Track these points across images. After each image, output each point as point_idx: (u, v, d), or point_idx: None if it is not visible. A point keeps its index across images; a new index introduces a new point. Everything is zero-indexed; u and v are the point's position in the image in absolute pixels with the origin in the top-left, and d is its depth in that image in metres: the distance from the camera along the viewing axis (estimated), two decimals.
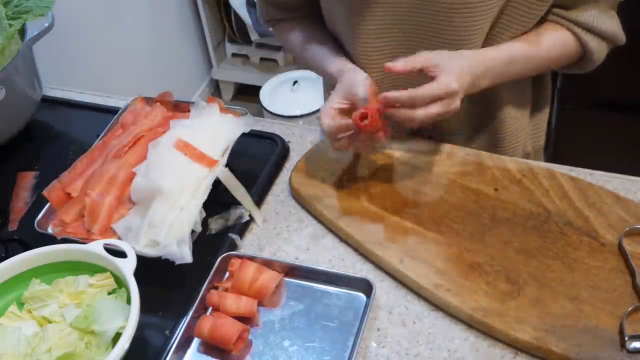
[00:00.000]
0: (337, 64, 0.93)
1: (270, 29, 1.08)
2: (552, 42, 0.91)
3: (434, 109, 0.79)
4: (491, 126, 1.00)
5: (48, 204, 0.88)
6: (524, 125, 1.03)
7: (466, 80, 0.82)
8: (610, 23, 0.91)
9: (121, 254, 0.76)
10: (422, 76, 0.83)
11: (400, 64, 0.81)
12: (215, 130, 0.93)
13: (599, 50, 0.92)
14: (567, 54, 0.92)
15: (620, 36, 0.93)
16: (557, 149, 1.90)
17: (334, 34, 0.99)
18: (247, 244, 0.87)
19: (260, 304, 0.78)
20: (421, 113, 0.79)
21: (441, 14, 0.86)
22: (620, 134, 1.74)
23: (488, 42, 0.89)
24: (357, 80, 0.85)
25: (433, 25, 0.87)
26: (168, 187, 0.83)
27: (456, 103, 0.80)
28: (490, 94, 0.93)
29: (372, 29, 0.90)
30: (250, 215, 0.89)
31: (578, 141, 1.83)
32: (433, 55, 0.82)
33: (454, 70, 0.81)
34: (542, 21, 0.91)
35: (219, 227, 0.88)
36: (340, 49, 0.97)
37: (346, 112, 0.84)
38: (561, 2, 0.89)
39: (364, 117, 0.80)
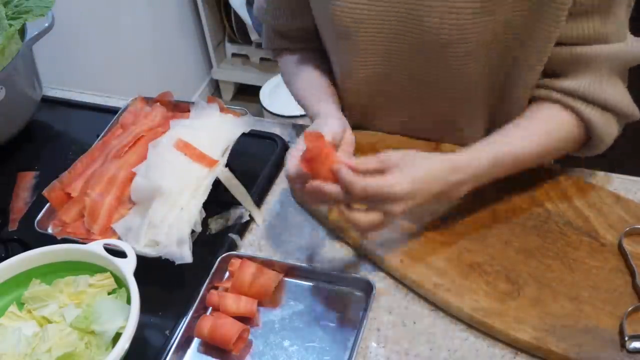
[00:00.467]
0: (320, 105, 0.87)
1: (274, 57, 1.04)
2: (545, 129, 0.80)
3: (369, 216, 0.69)
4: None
5: (48, 204, 0.88)
6: None
7: (427, 189, 0.71)
8: (612, 91, 0.79)
9: (121, 254, 0.76)
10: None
11: (352, 163, 0.71)
12: (215, 130, 0.93)
13: (603, 123, 0.80)
14: (567, 138, 0.81)
15: (628, 108, 0.81)
16: None
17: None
18: (247, 244, 0.87)
19: (260, 304, 0.78)
20: (353, 214, 0.70)
21: (432, 48, 0.80)
22: (620, 134, 1.74)
23: (495, 89, 0.85)
24: (327, 123, 0.79)
25: (423, 61, 0.83)
26: (168, 187, 0.83)
27: (395, 209, 0.69)
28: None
29: (361, 66, 0.87)
30: (250, 215, 0.89)
31: None
32: (395, 155, 0.72)
33: (411, 173, 0.70)
34: (531, 100, 0.84)
35: (219, 227, 0.88)
36: (334, 93, 0.93)
37: None
38: (553, 67, 0.80)
39: (309, 153, 0.71)
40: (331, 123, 0.80)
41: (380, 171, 0.71)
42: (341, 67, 0.91)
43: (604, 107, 0.80)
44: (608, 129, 0.81)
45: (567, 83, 0.80)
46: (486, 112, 0.91)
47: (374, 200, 0.69)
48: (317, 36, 0.94)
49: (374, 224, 0.70)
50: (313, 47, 0.97)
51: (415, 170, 0.71)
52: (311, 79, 0.95)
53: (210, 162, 0.88)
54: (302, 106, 0.95)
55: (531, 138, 0.79)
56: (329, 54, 0.94)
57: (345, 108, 0.92)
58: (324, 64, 0.96)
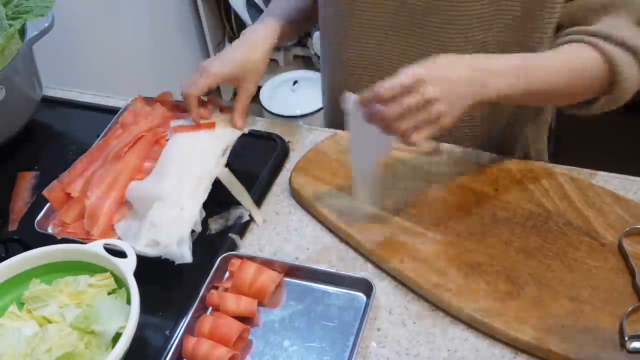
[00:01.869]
0: (263, 25, 0.97)
1: None
2: (570, 53, 0.81)
3: (399, 106, 0.70)
4: (488, 127, 0.99)
5: (48, 204, 0.88)
6: (523, 129, 1.02)
7: (443, 64, 0.73)
8: (631, 33, 0.80)
9: (121, 254, 0.76)
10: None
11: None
12: (215, 130, 0.93)
13: (625, 62, 0.79)
14: (592, 69, 0.80)
15: None
16: (557, 149, 1.90)
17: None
18: (247, 244, 0.87)
19: (260, 304, 0.78)
20: (390, 108, 0.70)
21: (424, 12, 0.85)
22: (620, 134, 1.74)
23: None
24: (250, 82, 0.93)
25: (423, 14, 0.86)
26: (167, 192, 0.83)
27: (427, 91, 0.70)
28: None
29: (365, 22, 0.91)
30: (250, 215, 0.89)
31: (578, 141, 1.83)
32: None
33: (424, 62, 0.73)
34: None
35: (219, 227, 0.88)
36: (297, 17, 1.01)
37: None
38: (573, 19, 0.83)
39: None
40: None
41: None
42: (350, 30, 0.93)
43: (625, 46, 0.79)
44: (631, 69, 0.80)
45: (591, 28, 0.81)
46: None
47: (409, 91, 0.70)
48: None
49: (410, 105, 0.70)
50: None
51: (436, 60, 0.73)
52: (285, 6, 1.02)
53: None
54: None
55: (560, 57, 0.81)
56: (323, 22, 0.98)
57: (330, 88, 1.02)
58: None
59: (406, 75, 0.71)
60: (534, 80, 0.77)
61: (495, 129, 0.99)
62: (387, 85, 0.71)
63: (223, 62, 0.93)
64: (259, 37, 0.96)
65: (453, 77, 0.72)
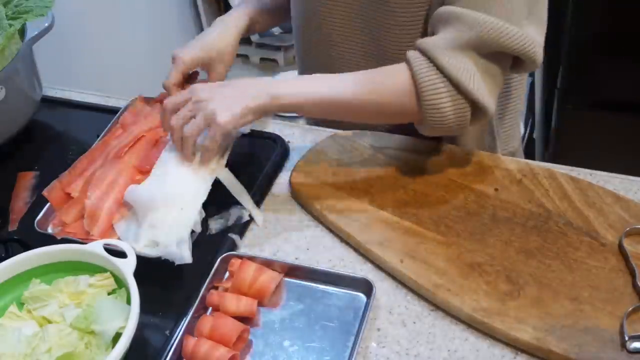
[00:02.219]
0: (234, 12, 1.00)
1: None
2: (382, 70, 0.81)
3: (179, 112, 0.82)
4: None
5: (48, 204, 0.88)
6: (485, 130, 1.01)
7: (224, 82, 0.86)
8: (456, 59, 0.75)
9: (121, 254, 0.76)
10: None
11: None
12: None
13: (427, 77, 0.76)
14: (393, 88, 0.79)
15: (466, 81, 0.75)
16: (557, 149, 1.90)
17: None
18: (247, 244, 0.87)
19: (260, 304, 0.78)
20: (172, 120, 0.83)
21: None
22: (620, 134, 1.74)
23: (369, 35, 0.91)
24: (219, 65, 0.97)
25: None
26: (166, 196, 0.84)
27: (198, 94, 0.82)
28: None
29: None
30: (250, 215, 0.89)
31: (578, 141, 1.83)
32: None
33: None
34: None
35: (219, 227, 0.88)
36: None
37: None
38: (431, 29, 0.81)
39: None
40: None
41: None
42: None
43: (438, 66, 0.76)
44: (433, 87, 0.76)
45: (422, 39, 0.78)
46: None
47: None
48: None
49: (186, 115, 0.82)
50: None
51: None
52: None
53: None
54: None
55: (363, 73, 0.82)
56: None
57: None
58: None
59: (185, 91, 0.84)
60: (319, 84, 0.82)
61: None
62: (167, 102, 0.85)
63: (191, 47, 0.96)
64: (229, 23, 0.99)
65: (226, 84, 0.84)
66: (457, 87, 0.76)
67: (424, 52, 0.78)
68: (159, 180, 0.86)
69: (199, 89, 0.83)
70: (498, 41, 0.75)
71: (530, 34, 0.77)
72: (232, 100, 0.80)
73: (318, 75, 0.84)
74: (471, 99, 0.77)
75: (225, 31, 0.98)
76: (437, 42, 0.77)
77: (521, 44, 0.75)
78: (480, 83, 0.76)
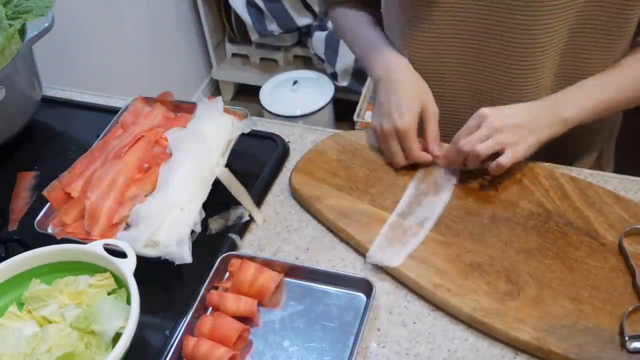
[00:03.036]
0: (394, 58, 0.93)
1: (328, 15, 1.08)
2: (635, 68, 0.86)
3: (474, 137, 0.81)
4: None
5: (48, 204, 0.88)
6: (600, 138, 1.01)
7: (509, 108, 0.82)
8: None
9: (121, 254, 0.76)
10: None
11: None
12: (216, 130, 0.93)
13: None
14: None
15: None
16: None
17: (388, 33, 0.99)
18: (247, 244, 0.87)
19: (260, 304, 0.78)
20: (464, 142, 0.82)
21: (511, 12, 0.83)
22: (620, 134, 1.74)
23: (568, 55, 0.87)
24: (431, 105, 0.88)
25: (500, 27, 0.85)
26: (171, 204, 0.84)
27: (491, 122, 0.80)
28: None
29: (428, 35, 0.89)
30: (250, 215, 0.89)
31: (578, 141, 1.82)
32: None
33: (503, 109, 0.83)
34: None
35: (219, 227, 0.88)
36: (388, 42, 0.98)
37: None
38: None
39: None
40: (428, 96, 0.89)
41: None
42: (412, 37, 0.92)
43: None
44: None
45: None
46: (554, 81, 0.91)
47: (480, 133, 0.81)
48: None
49: (481, 139, 0.81)
50: (364, 4, 1.02)
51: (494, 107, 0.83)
52: (371, 26, 1.00)
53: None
54: (359, 55, 1.00)
55: (621, 68, 0.86)
56: (393, 17, 0.95)
57: None
58: (379, 21, 1.01)
59: (483, 125, 0.81)
60: (604, 99, 0.84)
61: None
62: (461, 131, 0.83)
63: (399, 112, 0.87)
64: (401, 65, 0.92)
65: (515, 110, 0.82)
66: None
67: None
68: (161, 193, 0.86)
69: (490, 116, 0.81)
70: None
71: None
72: (527, 132, 0.81)
73: (592, 82, 0.85)
74: None
75: (411, 74, 0.92)
76: None
77: None
78: None
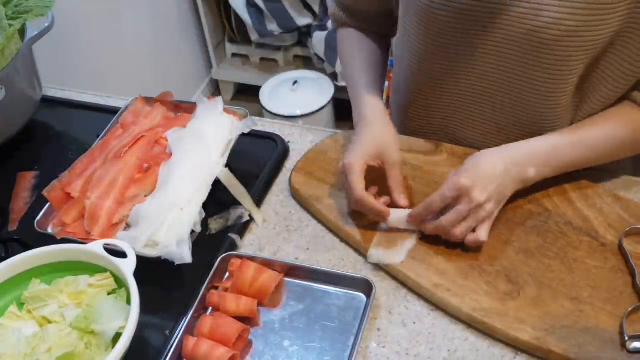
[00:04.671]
0: (371, 105, 0.91)
1: (335, 26, 1.07)
2: (614, 127, 0.84)
3: (453, 214, 0.77)
4: None
5: (48, 204, 0.88)
6: None
7: (488, 173, 0.78)
8: None
9: (121, 254, 0.76)
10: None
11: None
12: (216, 130, 0.93)
13: None
14: (635, 142, 0.85)
15: None
16: None
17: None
18: (247, 244, 0.87)
19: (260, 304, 0.78)
20: (446, 218, 0.78)
21: (539, 47, 0.79)
22: None
23: (579, 98, 0.86)
24: (392, 154, 0.85)
25: (525, 62, 0.82)
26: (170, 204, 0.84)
27: (475, 198, 0.76)
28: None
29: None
30: (250, 215, 0.89)
31: None
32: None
33: (465, 168, 0.79)
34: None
35: (219, 227, 0.88)
36: (382, 82, 0.97)
37: (371, 169, 0.85)
38: None
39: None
40: (394, 145, 0.86)
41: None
42: (411, 54, 0.91)
43: None
44: None
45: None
46: (568, 118, 0.89)
47: (455, 203, 0.78)
48: (382, 20, 0.99)
49: (461, 214, 0.78)
50: (375, 30, 1.01)
51: (469, 164, 0.80)
52: (367, 61, 0.99)
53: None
54: (349, 90, 0.98)
55: (591, 132, 0.84)
56: (399, 39, 0.95)
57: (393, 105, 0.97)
58: (382, 48, 1.01)
59: (451, 187, 0.78)
60: (568, 160, 0.83)
61: None
62: (437, 199, 0.78)
63: (354, 150, 0.86)
64: (375, 114, 0.91)
65: (493, 176, 0.79)
66: None
67: None
68: (161, 193, 0.86)
69: (472, 187, 0.77)
70: None
71: None
72: (502, 194, 0.80)
73: (557, 141, 0.83)
74: None
75: (380, 120, 0.90)
76: None
77: None
78: None
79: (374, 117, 0.89)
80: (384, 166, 0.85)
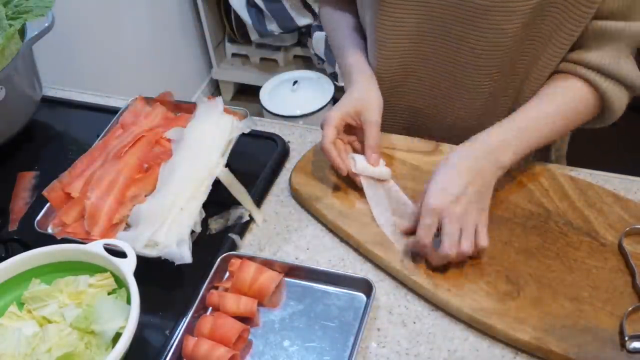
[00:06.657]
0: (355, 58, 0.96)
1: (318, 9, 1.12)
2: (564, 96, 0.85)
3: (446, 239, 0.75)
4: None
5: (48, 204, 0.88)
6: None
7: (452, 182, 0.77)
8: (628, 67, 0.84)
9: (121, 254, 0.76)
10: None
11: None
12: (216, 130, 0.93)
13: (619, 98, 0.85)
14: (584, 111, 0.86)
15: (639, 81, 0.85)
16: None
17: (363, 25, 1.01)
18: (247, 244, 0.87)
19: (260, 304, 0.78)
20: (445, 249, 0.75)
21: (473, 13, 0.83)
22: (620, 134, 1.74)
23: (523, 54, 0.87)
24: (370, 114, 0.87)
25: (460, 26, 0.86)
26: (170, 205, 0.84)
27: (454, 212, 0.75)
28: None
29: (395, 25, 0.91)
30: (250, 215, 0.89)
31: (578, 141, 1.83)
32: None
33: (428, 188, 0.78)
34: (555, 72, 0.88)
35: (219, 227, 0.88)
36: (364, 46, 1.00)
37: (350, 128, 0.89)
38: (578, 41, 0.84)
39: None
40: (374, 102, 0.89)
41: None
42: (376, 34, 0.93)
43: (621, 81, 0.84)
44: (621, 101, 0.86)
45: (590, 56, 0.84)
46: (511, 87, 0.92)
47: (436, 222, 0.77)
48: None
49: (464, 235, 0.76)
50: (354, 7, 1.04)
51: (430, 182, 0.79)
52: (345, 30, 1.03)
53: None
54: (336, 56, 1.04)
55: (554, 106, 0.85)
56: (365, 23, 0.99)
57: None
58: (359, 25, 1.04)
59: (427, 213, 0.76)
60: (534, 138, 0.83)
61: None
62: (422, 233, 0.76)
63: (337, 105, 0.90)
64: (363, 74, 0.94)
65: (466, 180, 0.77)
66: (633, 91, 0.86)
67: (600, 69, 0.84)
68: (161, 193, 0.86)
69: (446, 207, 0.75)
70: None
71: None
72: (483, 193, 0.78)
73: (520, 121, 0.83)
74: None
75: (368, 85, 0.92)
76: (605, 58, 0.84)
77: None
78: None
79: (359, 79, 0.93)
80: (363, 125, 0.88)
